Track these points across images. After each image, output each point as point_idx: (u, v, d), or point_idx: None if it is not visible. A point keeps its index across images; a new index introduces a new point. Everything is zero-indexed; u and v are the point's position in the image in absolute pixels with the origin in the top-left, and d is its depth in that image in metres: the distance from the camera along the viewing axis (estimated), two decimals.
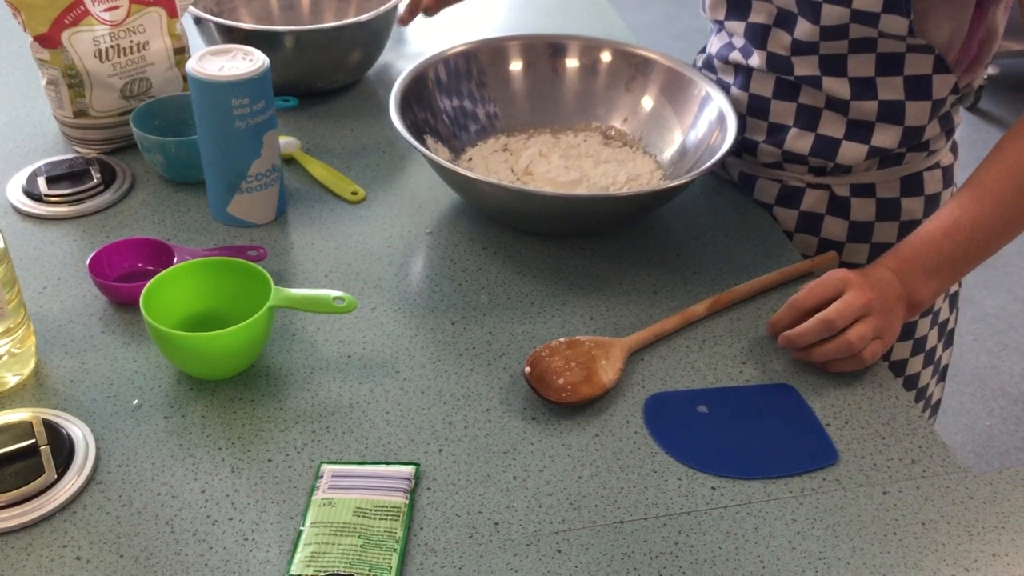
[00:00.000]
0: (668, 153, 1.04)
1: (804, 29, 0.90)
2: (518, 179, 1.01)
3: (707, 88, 1.02)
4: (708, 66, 1.05)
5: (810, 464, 0.74)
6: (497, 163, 1.04)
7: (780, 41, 0.92)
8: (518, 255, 0.95)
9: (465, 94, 1.08)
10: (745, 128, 1.00)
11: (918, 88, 0.91)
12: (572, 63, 1.10)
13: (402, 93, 1.00)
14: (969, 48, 0.91)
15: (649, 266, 0.94)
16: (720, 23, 0.99)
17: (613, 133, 1.09)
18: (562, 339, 0.82)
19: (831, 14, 0.87)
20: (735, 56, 0.99)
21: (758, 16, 0.93)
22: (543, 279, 0.92)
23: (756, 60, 0.96)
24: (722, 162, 0.94)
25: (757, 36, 0.94)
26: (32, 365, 0.79)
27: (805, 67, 0.93)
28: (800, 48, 0.91)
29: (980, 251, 0.86)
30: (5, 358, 0.76)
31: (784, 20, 0.91)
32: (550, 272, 0.93)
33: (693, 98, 1.03)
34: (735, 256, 0.96)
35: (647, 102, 1.07)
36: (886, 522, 0.69)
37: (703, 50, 1.08)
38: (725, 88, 1.01)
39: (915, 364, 1.05)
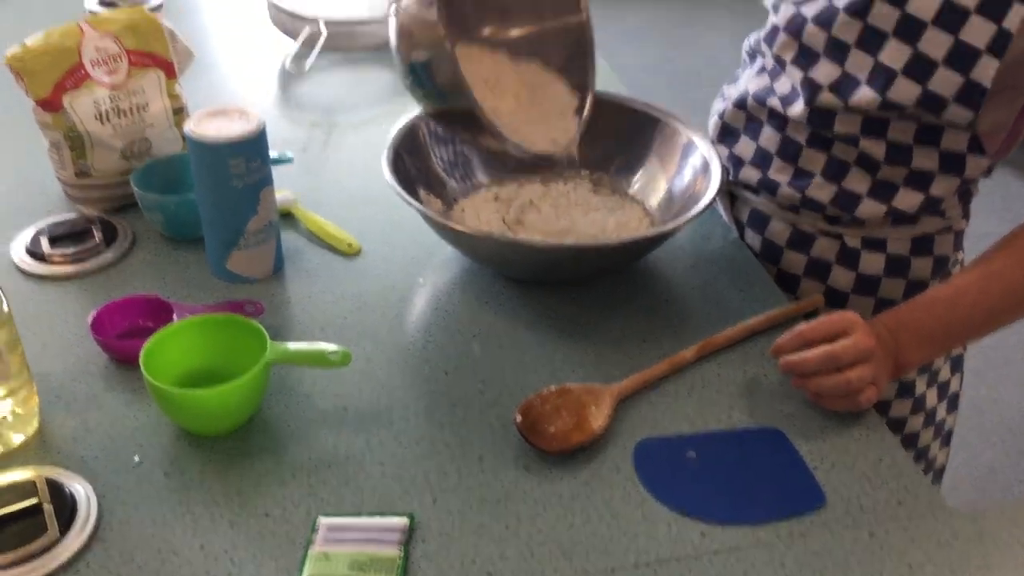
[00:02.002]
0: (655, 200, 1.07)
1: (865, 96, 0.88)
2: (509, 228, 1.03)
3: (690, 135, 1.04)
4: (740, 104, 1.03)
5: (798, 508, 0.75)
6: (489, 213, 1.06)
7: (831, 101, 0.91)
8: (510, 303, 0.97)
9: (457, 145, 1.11)
10: (734, 173, 1.02)
11: (952, 163, 0.92)
12: None
13: (395, 146, 1.02)
14: (1010, 140, 0.92)
15: (638, 312, 0.96)
16: (782, 63, 0.96)
17: (602, 181, 1.11)
18: (552, 387, 0.84)
19: (901, 89, 0.85)
20: (773, 102, 0.98)
21: (820, 73, 0.91)
22: (534, 327, 0.94)
23: (798, 110, 0.94)
24: (711, 209, 0.96)
25: (811, 90, 0.92)
26: (35, 424, 0.80)
27: (846, 126, 0.92)
28: (849, 110, 0.90)
29: (976, 329, 0.89)
30: (9, 418, 0.78)
31: (846, 84, 0.89)
32: (541, 320, 0.95)
33: (677, 146, 1.06)
34: (722, 301, 0.97)
35: (633, 150, 1.10)
36: (873, 564, 0.71)
37: (734, 80, 1.08)
38: (757, 126, 1.01)
39: (915, 423, 1.06)
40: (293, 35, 1.47)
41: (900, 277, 1.00)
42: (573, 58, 1.02)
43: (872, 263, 0.99)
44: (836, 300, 1.01)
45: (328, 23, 1.43)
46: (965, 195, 0.98)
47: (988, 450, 2.08)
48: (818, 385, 0.82)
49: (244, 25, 1.59)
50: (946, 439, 1.12)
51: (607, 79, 1.40)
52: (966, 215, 1.02)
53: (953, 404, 1.11)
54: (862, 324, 0.83)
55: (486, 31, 1.02)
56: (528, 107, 0.97)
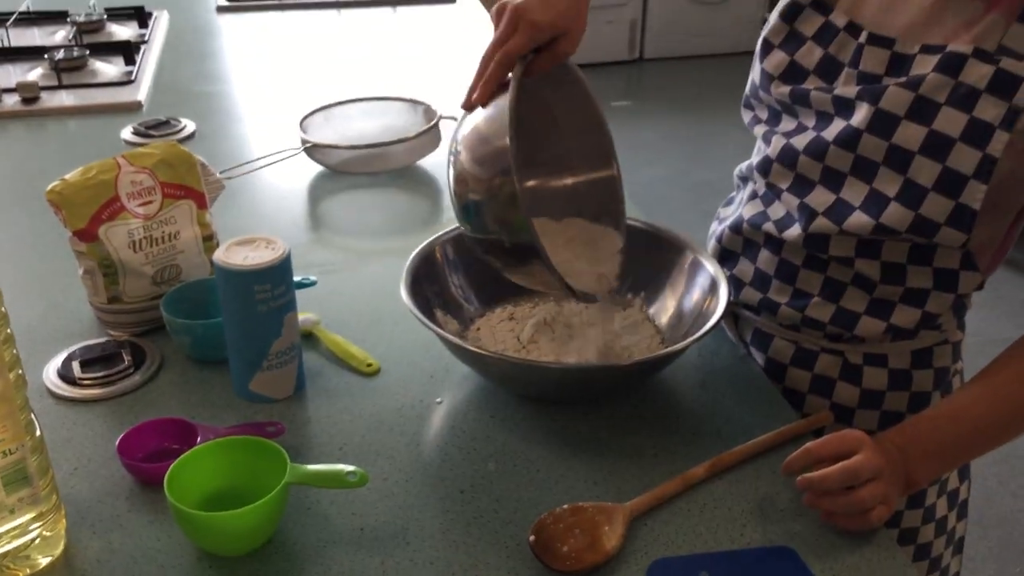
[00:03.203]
0: (665, 318, 1.10)
1: (858, 221, 0.90)
2: (524, 347, 1.06)
3: (698, 256, 1.08)
4: (736, 228, 1.07)
5: None
6: (504, 332, 1.09)
7: (826, 226, 0.93)
8: (524, 422, 0.99)
9: (472, 267, 1.15)
10: (735, 293, 1.06)
11: (946, 281, 0.94)
12: None
13: (413, 270, 1.07)
14: (999, 255, 0.95)
15: (649, 429, 0.98)
16: (777, 191, 0.99)
17: (613, 300, 1.14)
18: (566, 506, 0.85)
19: (895, 215, 0.88)
20: (768, 227, 1.01)
21: (815, 199, 0.94)
22: (548, 445, 0.96)
23: (794, 234, 0.97)
24: (718, 327, 0.98)
25: (806, 216, 0.95)
26: (62, 547, 0.82)
27: (841, 248, 0.95)
28: (843, 233, 0.93)
29: (982, 444, 0.91)
30: (37, 541, 0.80)
31: (840, 210, 0.92)
32: (554, 438, 0.97)
33: (685, 266, 1.09)
34: (733, 417, 0.99)
35: (644, 271, 1.13)
36: None
37: (728, 202, 1.13)
38: (755, 249, 1.05)
39: (927, 533, 1.06)
40: (321, 162, 1.54)
41: (903, 390, 1.01)
42: (606, 205, 1.08)
43: (875, 378, 1.01)
44: (842, 415, 1.03)
45: (353, 148, 1.51)
46: (960, 309, 1.00)
47: (1017, 564, 2.04)
48: (830, 503, 0.83)
49: (273, 150, 1.66)
50: (958, 547, 1.12)
51: None
52: (961, 327, 1.04)
53: (963, 511, 1.11)
54: (869, 442, 0.85)
55: (531, 183, 1.08)
56: (578, 254, 1.03)
